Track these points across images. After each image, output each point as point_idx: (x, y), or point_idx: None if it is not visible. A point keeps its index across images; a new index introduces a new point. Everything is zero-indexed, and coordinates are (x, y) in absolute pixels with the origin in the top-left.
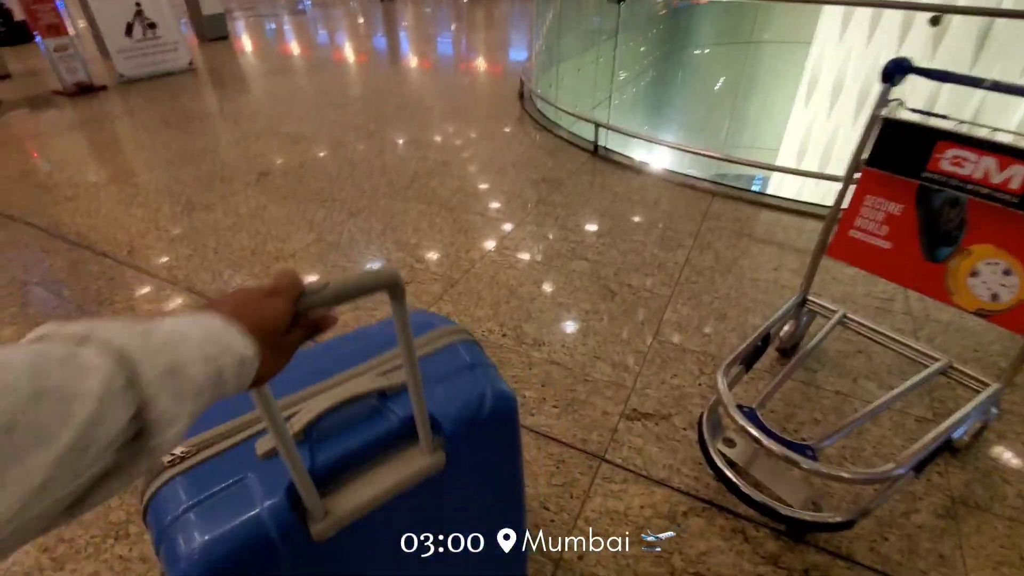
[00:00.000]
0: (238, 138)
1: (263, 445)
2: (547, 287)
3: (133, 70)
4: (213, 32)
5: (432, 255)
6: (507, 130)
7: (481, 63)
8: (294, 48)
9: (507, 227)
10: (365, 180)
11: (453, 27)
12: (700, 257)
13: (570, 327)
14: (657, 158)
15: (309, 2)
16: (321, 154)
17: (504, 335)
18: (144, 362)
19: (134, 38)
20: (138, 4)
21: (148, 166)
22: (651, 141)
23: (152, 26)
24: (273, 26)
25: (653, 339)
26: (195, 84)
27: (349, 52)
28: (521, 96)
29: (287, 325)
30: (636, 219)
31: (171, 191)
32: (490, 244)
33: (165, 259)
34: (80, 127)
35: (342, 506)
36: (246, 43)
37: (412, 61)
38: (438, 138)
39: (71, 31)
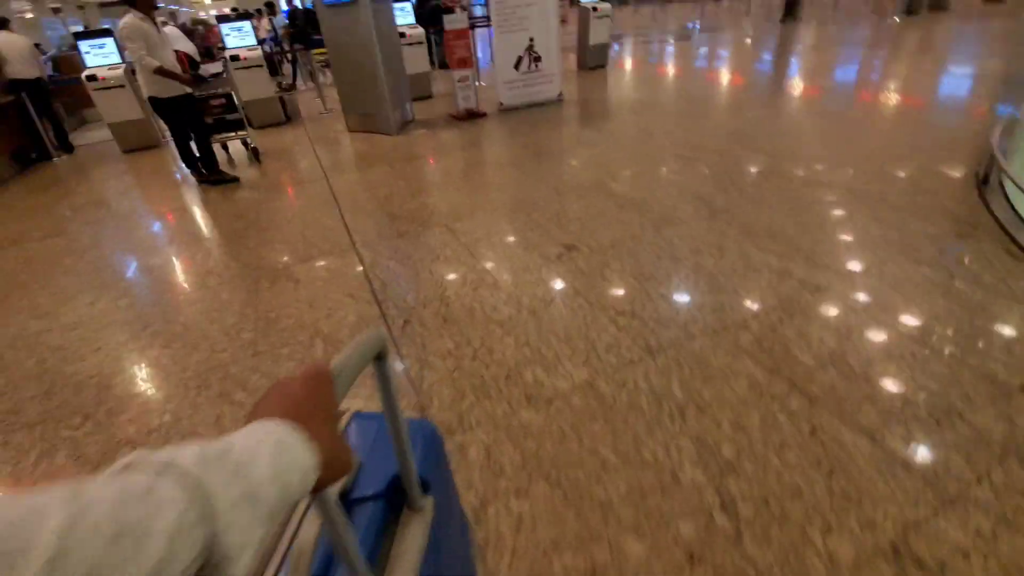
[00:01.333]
0: (561, 189)
1: None
2: None
3: (511, 100)
4: (594, 61)
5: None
6: (950, 255)
7: (907, 113)
8: (663, 79)
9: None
10: (684, 295)
11: (871, 57)
12: None
13: None
14: None
15: (698, 25)
16: (641, 232)
17: None
18: (219, 493)
19: (520, 71)
20: (531, 40)
21: (455, 211)
22: None
23: (538, 59)
24: (653, 53)
25: None
26: (556, 117)
27: (722, 86)
28: (983, 182)
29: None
30: None
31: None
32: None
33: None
34: (448, 152)
35: None
36: (620, 73)
37: (800, 101)
38: (810, 244)
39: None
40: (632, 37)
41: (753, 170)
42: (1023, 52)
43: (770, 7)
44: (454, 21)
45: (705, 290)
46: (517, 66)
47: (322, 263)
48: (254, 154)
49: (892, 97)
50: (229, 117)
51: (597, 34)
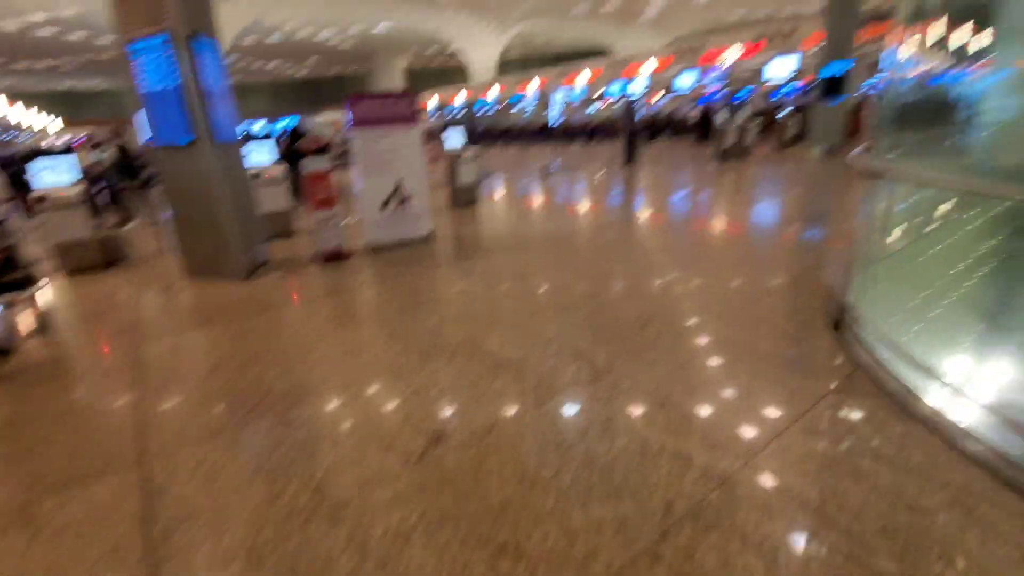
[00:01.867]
0: (429, 351)
1: None
2: None
3: (380, 239)
4: (464, 199)
5: None
6: (829, 407)
7: (760, 248)
8: (532, 215)
9: None
10: (578, 496)
11: (714, 196)
12: None
13: None
14: None
15: (557, 164)
16: (521, 408)
17: None
18: None
19: (388, 211)
20: (399, 180)
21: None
22: None
23: (406, 199)
24: (521, 190)
25: None
26: (427, 258)
27: (587, 223)
28: (836, 326)
29: None
30: None
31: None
32: None
33: None
34: (302, 303)
35: None
36: (491, 209)
37: (670, 244)
38: (704, 410)
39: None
40: (502, 174)
41: (628, 316)
42: (821, 189)
43: (615, 152)
44: (311, 165)
45: (601, 495)
46: (385, 206)
47: (86, 493)
48: (41, 324)
49: (755, 242)
50: (3, 279)
51: (466, 174)
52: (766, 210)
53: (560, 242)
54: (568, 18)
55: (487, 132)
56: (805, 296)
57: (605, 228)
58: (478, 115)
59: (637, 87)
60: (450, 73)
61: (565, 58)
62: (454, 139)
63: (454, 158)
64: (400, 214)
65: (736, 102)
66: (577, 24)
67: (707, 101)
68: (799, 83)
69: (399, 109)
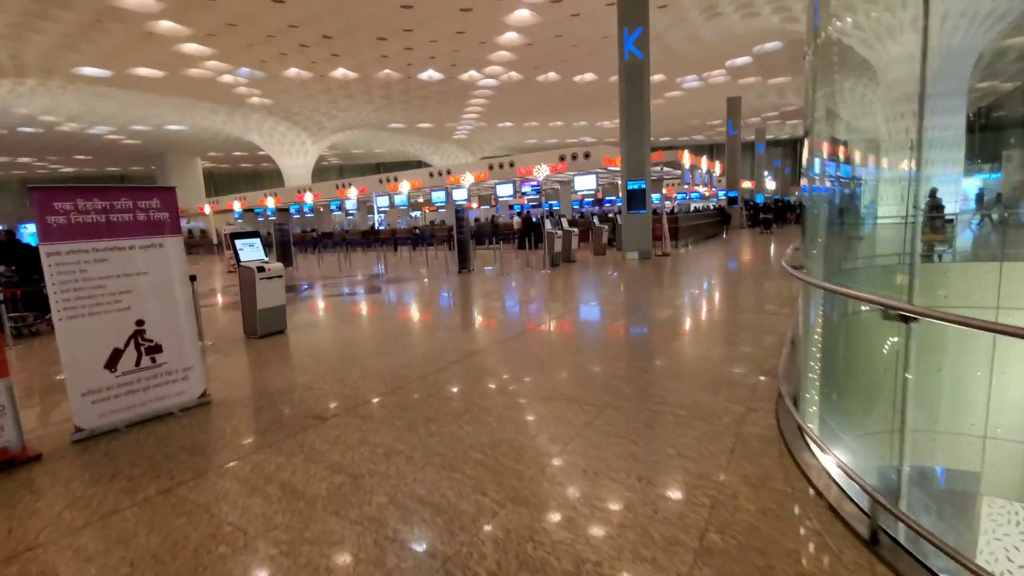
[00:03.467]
0: None
1: None
2: None
3: (103, 420)
4: (267, 327)
5: None
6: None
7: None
8: (359, 341)
9: None
10: None
11: (609, 303)
12: None
13: None
14: None
15: (382, 269)
16: None
17: None
18: None
19: (119, 371)
20: (140, 322)
21: None
22: None
23: (155, 350)
24: (344, 306)
25: None
26: (192, 447)
27: (446, 354)
28: (783, 438)
29: None
30: None
31: None
32: None
33: None
34: None
35: None
36: (305, 338)
37: (576, 380)
38: None
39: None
40: (320, 286)
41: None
42: (665, 289)
43: (445, 259)
44: None
45: None
46: (113, 365)
47: None
48: None
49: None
50: None
51: (268, 296)
52: (651, 310)
53: (408, 391)
54: (386, 130)
55: (304, 237)
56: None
57: (471, 359)
58: (294, 217)
59: (461, 195)
60: (264, 176)
61: (386, 168)
62: (251, 250)
63: (249, 277)
64: (146, 375)
65: (554, 210)
66: (395, 136)
67: (525, 209)
68: (608, 198)
69: (141, 211)
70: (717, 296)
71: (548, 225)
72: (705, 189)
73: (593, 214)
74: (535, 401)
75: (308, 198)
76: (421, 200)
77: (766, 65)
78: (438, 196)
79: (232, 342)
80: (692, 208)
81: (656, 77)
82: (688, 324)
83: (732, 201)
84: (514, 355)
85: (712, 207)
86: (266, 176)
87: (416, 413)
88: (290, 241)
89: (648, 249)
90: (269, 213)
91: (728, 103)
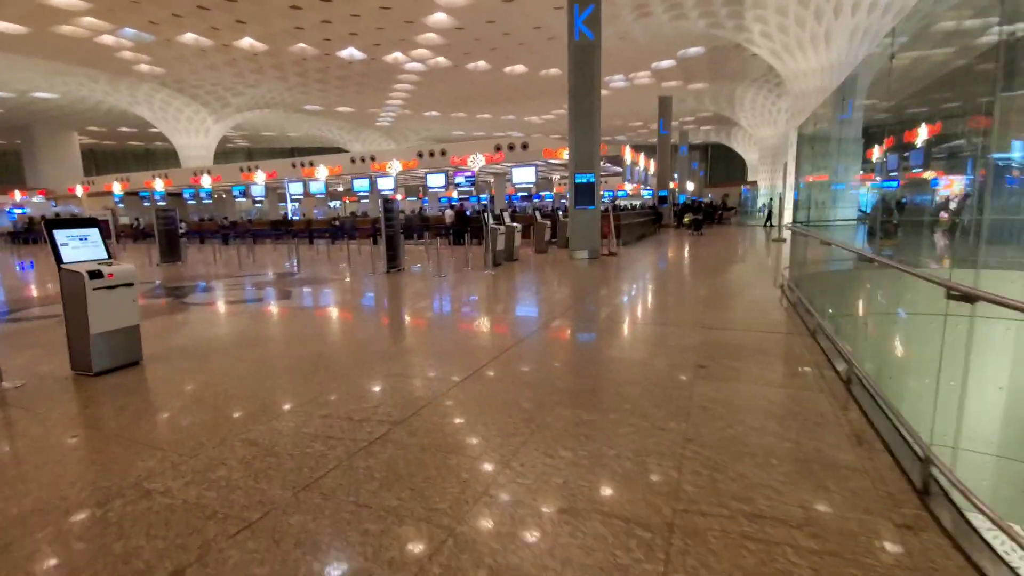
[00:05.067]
0: None
1: None
2: None
3: None
4: (109, 358)
5: None
6: None
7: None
8: (238, 398)
9: None
10: None
11: (581, 307)
12: None
13: None
14: None
15: (295, 267)
16: None
17: None
18: None
19: None
20: None
21: None
22: None
23: None
24: (243, 318)
25: None
26: None
27: (365, 414)
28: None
29: None
30: None
31: None
32: None
33: None
34: None
35: None
36: (163, 378)
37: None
38: None
39: None
40: (212, 290)
41: None
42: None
43: (370, 255)
44: None
45: None
46: None
47: None
48: None
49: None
50: None
51: (108, 314)
52: (647, 327)
53: (325, 491)
54: (301, 112)
55: (202, 227)
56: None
57: (423, 417)
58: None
59: (387, 184)
60: (159, 156)
61: (301, 153)
62: (83, 246)
63: (76, 287)
64: None
65: (490, 204)
66: (311, 120)
67: (456, 203)
68: (537, 194)
69: None
70: (704, 307)
71: (489, 220)
72: (631, 187)
73: (536, 209)
74: (551, 527)
75: (205, 181)
76: (341, 189)
77: (688, 70)
78: (360, 184)
79: (52, 384)
80: (624, 206)
81: None
82: (700, 349)
83: (662, 200)
84: (488, 408)
85: (637, 206)
86: (161, 156)
87: (343, 551)
88: (177, 231)
89: (597, 248)
90: (158, 197)
91: (660, 102)
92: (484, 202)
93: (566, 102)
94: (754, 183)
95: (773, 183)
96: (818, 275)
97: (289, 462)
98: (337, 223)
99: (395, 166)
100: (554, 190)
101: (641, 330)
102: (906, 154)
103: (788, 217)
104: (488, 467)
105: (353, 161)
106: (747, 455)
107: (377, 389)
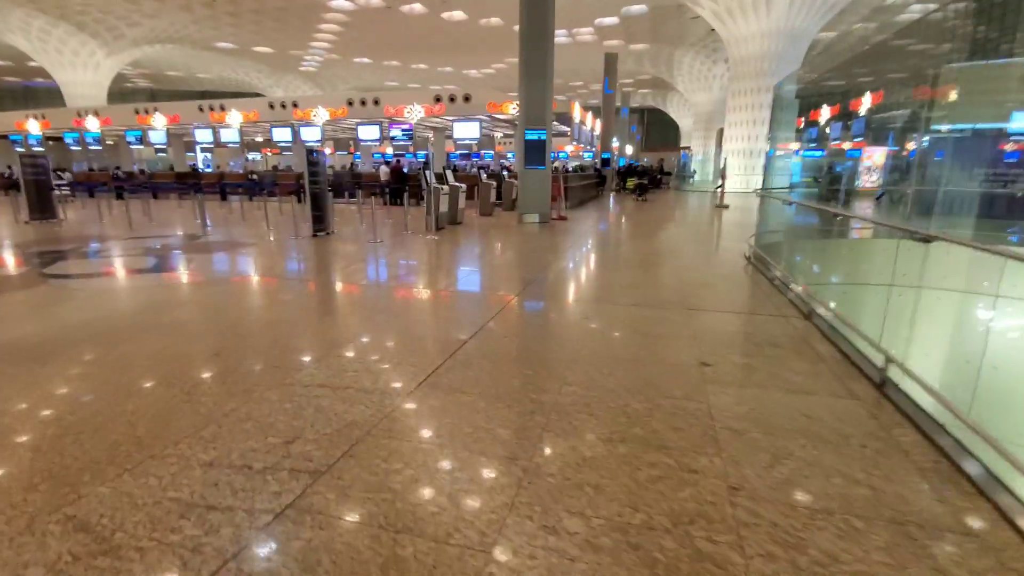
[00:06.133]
0: None
1: None
2: None
3: None
4: None
5: None
6: None
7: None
8: (114, 432)
9: None
10: None
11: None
12: None
13: None
14: None
15: (204, 227)
16: None
17: None
18: None
19: None
20: None
21: None
22: None
23: None
24: (140, 295)
25: None
26: None
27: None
28: None
29: None
30: None
31: None
32: None
33: None
34: None
35: None
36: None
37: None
38: None
39: None
40: (93, 254)
41: None
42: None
43: (293, 215)
44: None
45: None
46: None
47: None
48: None
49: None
50: None
51: None
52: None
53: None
54: (211, 50)
55: (92, 178)
56: None
57: (368, 446)
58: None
59: (313, 135)
60: (41, 95)
61: (214, 96)
62: None
63: None
64: None
65: (429, 161)
66: (224, 60)
67: (391, 159)
68: (477, 153)
69: None
70: (680, 283)
71: (430, 178)
72: (572, 149)
73: (480, 168)
74: None
75: (92, 124)
76: (261, 139)
77: (631, 29)
78: (282, 135)
79: None
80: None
81: None
82: (696, 339)
83: (605, 163)
84: (453, 440)
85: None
86: (44, 96)
87: None
88: (49, 182)
89: (547, 211)
90: (33, 142)
91: (606, 59)
92: (423, 159)
93: (508, 55)
94: (688, 148)
95: (706, 149)
96: (801, 244)
97: (135, 568)
98: (255, 177)
99: (321, 114)
100: (495, 149)
101: (621, 315)
102: (849, 123)
103: (730, 184)
104: (462, 564)
105: (272, 107)
106: (820, 514)
107: (293, 408)
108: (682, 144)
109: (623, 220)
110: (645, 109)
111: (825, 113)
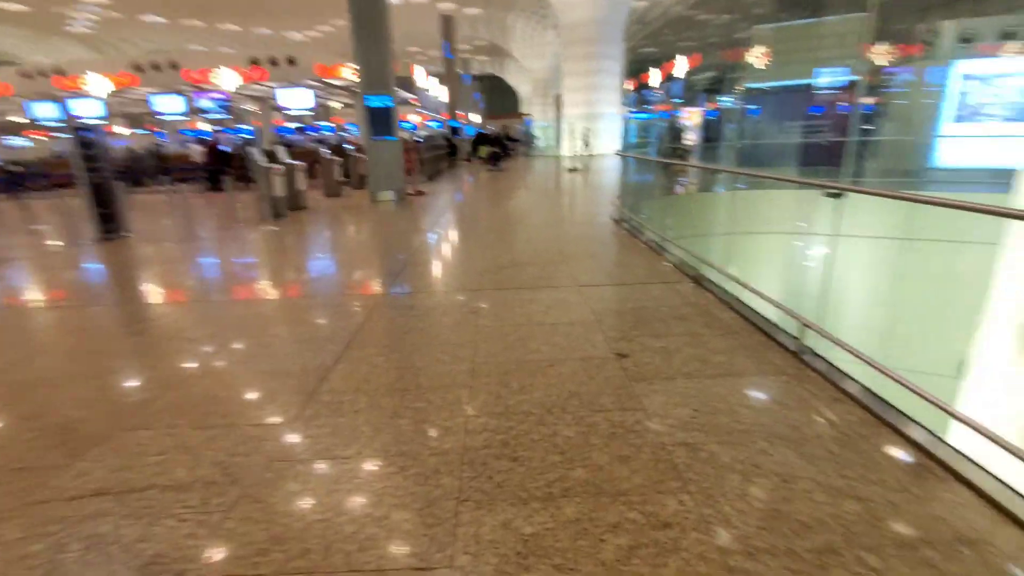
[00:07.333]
0: None
1: None
2: None
3: None
4: None
5: None
6: None
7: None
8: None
9: None
10: None
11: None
12: None
13: None
14: None
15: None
16: None
17: None
18: None
19: None
20: None
21: None
22: None
23: None
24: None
25: None
26: None
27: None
28: None
29: None
30: None
31: None
32: None
33: None
34: None
35: None
36: None
37: None
38: None
39: None
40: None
41: None
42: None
43: (72, 216)
44: None
45: None
46: None
47: None
48: None
49: None
50: None
51: None
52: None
53: None
54: None
55: None
56: None
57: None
58: None
59: (92, 110)
60: None
61: None
62: None
63: None
64: None
65: (256, 137)
66: None
67: (209, 136)
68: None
69: None
70: (561, 257)
71: (259, 159)
72: (419, 118)
73: (319, 141)
74: None
75: None
76: (25, 121)
77: None
78: (48, 112)
79: None
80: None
81: None
82: (600, 324)
83: (455, 131)
84: (317, 536)
85: (426, 138)
86: None
87: None
88: None
89: (403, 187)
90: None
91: (444, 22)
92: (248, 137)
93: (332, 16)
94: (529, 115)
95: (546, 115)
96: (665, 202)
97: None
98: (19, 169)
99: (98, 83)
100: (331, 120)
101: (512, 301)
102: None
103: (566, 148)
104: None
105: (31, 77)
106: (831, 553)
107: (45, 555)
108: (522, 110)
109: (485, 192)
110: (484, 76)
111: (655, 77)
